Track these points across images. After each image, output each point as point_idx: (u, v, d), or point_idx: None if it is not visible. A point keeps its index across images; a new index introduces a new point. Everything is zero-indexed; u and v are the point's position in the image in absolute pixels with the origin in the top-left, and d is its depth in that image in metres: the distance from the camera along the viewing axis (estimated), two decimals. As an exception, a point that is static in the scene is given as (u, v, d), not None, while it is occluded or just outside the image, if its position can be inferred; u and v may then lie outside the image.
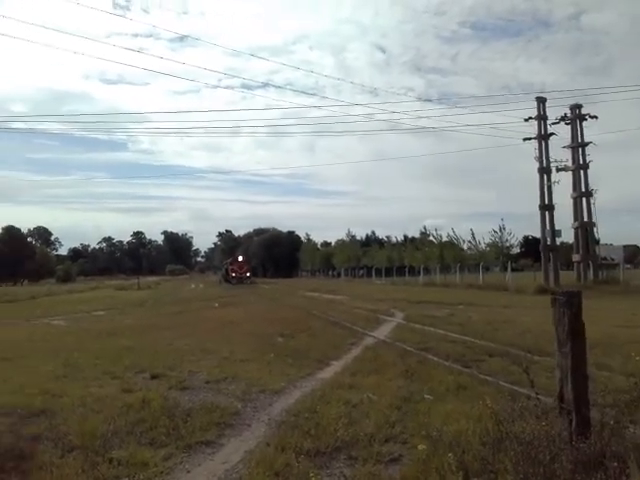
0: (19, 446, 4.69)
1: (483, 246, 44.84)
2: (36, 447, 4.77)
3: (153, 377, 7.92)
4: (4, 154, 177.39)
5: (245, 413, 6.06)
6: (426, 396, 6.42)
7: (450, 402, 6.01)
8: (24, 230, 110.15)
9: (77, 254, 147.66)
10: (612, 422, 3.94)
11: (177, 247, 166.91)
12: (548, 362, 7.60)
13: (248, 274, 65.14)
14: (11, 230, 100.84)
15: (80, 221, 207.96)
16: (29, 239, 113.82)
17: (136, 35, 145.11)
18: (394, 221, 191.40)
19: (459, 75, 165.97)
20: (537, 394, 4.34)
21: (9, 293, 43.31)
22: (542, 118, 35.29)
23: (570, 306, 3.94)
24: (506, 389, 6.49)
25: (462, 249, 48.25)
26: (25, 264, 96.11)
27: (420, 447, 4.23)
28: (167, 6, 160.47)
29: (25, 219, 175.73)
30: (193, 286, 61.30)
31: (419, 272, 53.26)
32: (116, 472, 4.29)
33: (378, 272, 65.51)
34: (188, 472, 4.42)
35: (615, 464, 3.47)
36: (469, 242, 47.16)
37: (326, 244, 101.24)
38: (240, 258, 68.02)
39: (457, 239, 49.21)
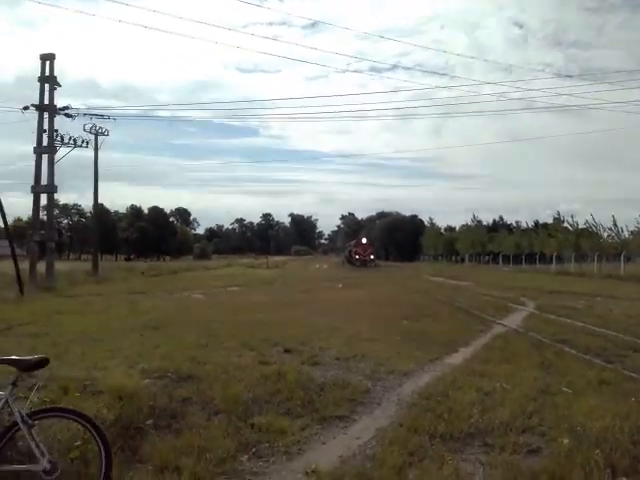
0: (171, 407, 5.17)
1: (626, 234, 41.18)
2: (186, 409, 5.24)
3: (286, 351, 8.30)
4: (151, 140, 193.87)
5: (375, 392, 6.17)
6: (564, 389, 6.10)
7: (592, 397, 5.67)
8: (167, 211, 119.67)
9: (212, 234, 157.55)
10: None
11: (302, 229, 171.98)
12: None
13: (372, 257, 64.27)
14: (156, 210, 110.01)
15: (216, 203, 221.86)
16: (171, 219, 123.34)
17: (271, 24, 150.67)
18: (524, 206, 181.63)
19: (604, 48, 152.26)
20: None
21: (154, 268, 47.26)
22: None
23: None
24: (657, 388, 5.98)
25: (601, 237, 44.68)
26: (168, 242, 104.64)
27: (564, 441, 4.05)
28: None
29: (168, 200, 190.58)
30: (317, 266, 63.13)
31: (551, 260, 50.12)
32: (257, 437, 4.60)
33: (505, 259, 62.75)
34: (323, 443, 4.62)
35: None
36: (609, 229, 43.56)
37: (450, 229, 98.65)
38: (364, 240, 66.84)
39: (595, 226, 45.66)
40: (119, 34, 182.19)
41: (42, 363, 3.42)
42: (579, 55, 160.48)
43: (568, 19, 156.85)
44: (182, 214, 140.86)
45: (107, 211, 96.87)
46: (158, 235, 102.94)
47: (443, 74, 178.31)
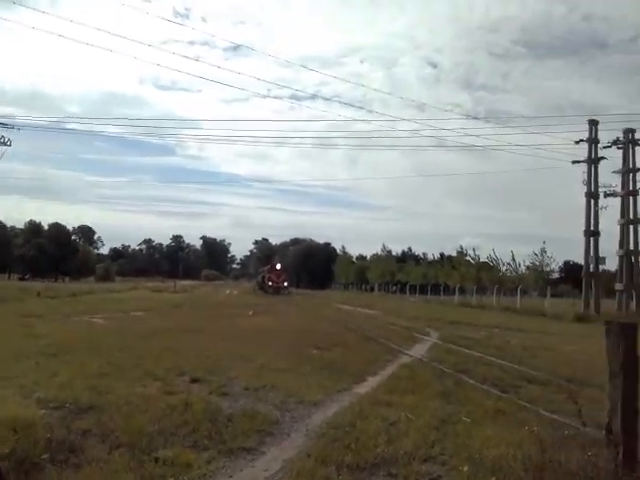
0: (70, 439, 4.88)
1: (522, 269, 44.12)
2: (85, 442, 4.96)
3: (193, 380, 8.09)
4: (58, 153, 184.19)
5: (284, 422, 6.14)
6: (464, 418, 6.39)
7: (489, 426, 5.96)
8: (69, 228, 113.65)
9: (117, 254, 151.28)
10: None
11: (214, 252, 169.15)
12: (589, 393, 7.46)
13: (285, 283, 62.36)
14: (57, 227, 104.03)
15: (124, 222, 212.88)
16: (73, 237, 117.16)
17: (192, 43, 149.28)
18: (432, 238, 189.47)
19: (509, 93, 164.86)
20: (584, 424, 4.31)
21: (52, 289, 44.49)
22: (593, 141, 34.65)
23: (625, 337, 3.91)
24: (546, 418, 6.41)
25: (500, 271, 47.54)
26: (68, 261, 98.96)
27: (463, 468, 4.24)
28: (225, 15, 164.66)
29: (72, 217, 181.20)
30: (228, 292, 62.01)
31: (454, 291, 52.59)
32: (161, 471, 4.42)
33: (412, 289, 65.05)
34: (230, 477, 4.52)
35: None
36: (508, 264, 46.48)
37: (361, 258, 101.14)
38: (278, 266, 64.99)
39: (496, 260, 48.56)
40: (31, 41, 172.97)
41: None
42: (486, 98, 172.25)
43: (478, 63, 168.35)
44: (85, 232, 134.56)
45: (2, 226, 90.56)
46: (58, 254, 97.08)
47: (360, 107, 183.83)
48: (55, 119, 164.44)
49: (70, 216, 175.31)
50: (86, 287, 55.18)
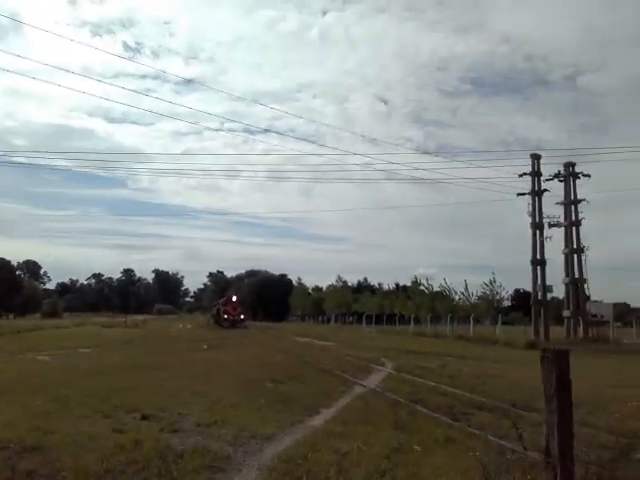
0: (14, 481, 4.73)
1: (475, 298, 45.09)
2: (30, 483, 4.81)
3: (144, 418, 7.93)
4: (3, 187, 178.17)
5: (236, 458, 6.10)
6: (415, 447, 6.49)
7: (439, 454, 6.09)
8: (14, 263, 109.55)
9: (65, 289, 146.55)
10: (595, 478, 4.08)
11: (167, 286, 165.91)
12: (534, 418, 7.73)
13: (242, 316, 59.48)
14: (0, 262, 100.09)
15: (72, 256, 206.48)
16: (18, 272, 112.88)
17: (144, 76, 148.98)
18: (387, 269, 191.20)
19: (457, 129, 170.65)
20: (525, 448, 4.49)
21: (-5, 326, 42.65)
22: (536, 174, 36.20)
23: (558, 364, 4.12)
24: (494, 443, 6.58)
25: (453, 300, 48.43)
26: (12, 297, 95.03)
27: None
28: (177, 50, 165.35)
29: (18, 252, 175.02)
30: (181, 326, 60.65)
31: (409, 321, 53.16)
32: (109, 512, 4.34)
33: (369, 319, 65.28)
34: (180, 514, 4.47)
35: (597, 519, 3.60)
36: (461, 293, 47.45)
37: (317, 289, 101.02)
38: (234, 298, 61.72)
39: (449, 290, 49.51)
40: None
41: None
42: (436, 133, 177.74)
43: (427, 99, 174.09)
44: (31, 267, 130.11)
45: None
46: (1, 290, 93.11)
47: (313, 141, 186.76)
48: (1, 152, 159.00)
49: (15, 250, 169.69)
50: (31, 324, 53.02)
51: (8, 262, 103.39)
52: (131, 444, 6.16)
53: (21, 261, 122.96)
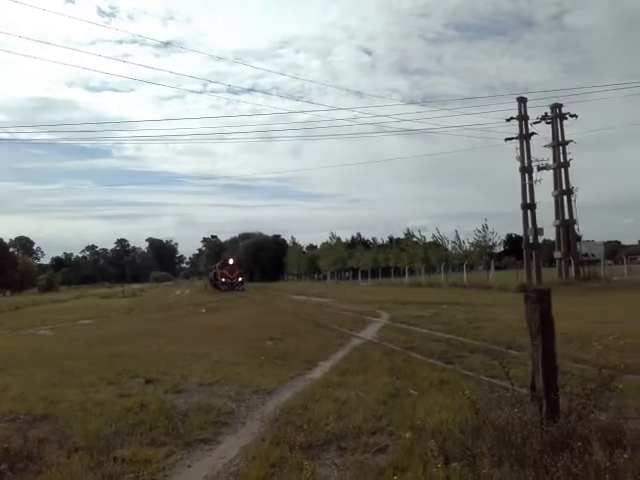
0: (27, 448, 4.93)
1: (467, 246, 45.52)
2: (43, 449, 5.02)
3: (147, 382, 8.17)
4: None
5: (239, 412, 6.35)
6: (411, 391, 6.76)
7: (433, 396, 6.35)
8: (6, 240, 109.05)
9: (60, 263, 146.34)
10: (579, 408, 4.31)
11: (161, 254, 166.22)
12: (525, 357, 8.00)
13: (240, 279, 57.91)
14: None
15: (64, 230, 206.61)
16: (11, 249, 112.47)
17: (121, 42, 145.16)
18: (379, 223, 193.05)
19: (444, 76, 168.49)
20: (512, 384, 4.71)
21: (-8, 304, 42.91)
22: (523, 118, 35.97)
23: (540, 302, 4.30)
24: (485, 382, 6.88)
25: (446, 249, 48.86)
26: (7, 274, 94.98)
27: (406, 435, 4.57)
28: (153, 12, 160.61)
29: (8, 229, 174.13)
30: (179, 292, 61.22)
31: (404, 273, 53.79)
32: (121, 469, 4.56)
33: (364, 274, 65.95)
34: (189, 467, 4.71)
35: (580, 444, 3.83)
36: (453, 242, 47.86)
37: (312, 247, 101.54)
38: (231, 261, 60.52)
39: (441, 239, 49.90)
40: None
41: None
42: (422, 82, 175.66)
43: (412, 48, 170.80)
44: (24, 243, 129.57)
45: None
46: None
47: (299, 98, 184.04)
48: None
49: (5, 228, 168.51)
50: (29, 299, 53.32)
51: (0, 239, 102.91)
52: (137, 407, 6.39)
53: (13, 238, 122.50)
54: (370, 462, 4.42)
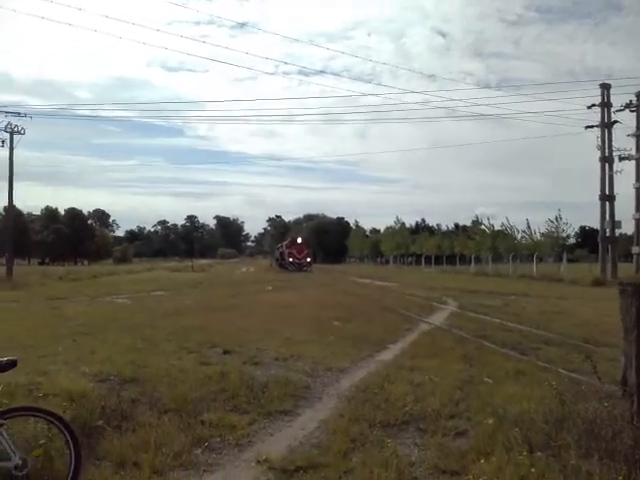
0: (121, 407, 5.27)
1: (538, 236, 44.03)
2: (135, 409, 5.36)
3: (225, 352, 8.51)
4: (68, 139, 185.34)
5: (315, 388, 6.53)
6: (486, 379, 6.70)
7: (510, 386, 6.27)
8: (85, 212, 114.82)
9: (133, 236, 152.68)
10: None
11: (228, 231, 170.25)
12: (605, 353, 7.79)
13: (308, 259, 55.17)
14: (73, 212, 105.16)
15: (138, 204, 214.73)
16: (89, 221, 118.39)
17: (198, 23, 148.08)
18: (445, 209, 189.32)
19: (521, 60, 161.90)
20: (599, 378, 4.60)
21: (72, 272, 45.33)
22: (606, 105, 34.20)
23: (638, 296, 4.15)
24: (565, 376, 6.70)
25: (515, 239, 47.46)
26: (85, 245, 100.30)
27: (488, 421, 4.56)
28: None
29: (86, 202, 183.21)
30: (244, 270, 62.57)
31: (470, 261, 52.70)
32: (209, 432, 4.82)
33: (427, 260, 65.16)
34: (271, 435, 4.91)
35: (675, 443, 3.71)
36: (523, 232, 46.40)
37: (375, 231, 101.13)
38: (299, 240, 57.75)
39: (510, 229, 48.47)
40: (39, 30, 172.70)
41: (11, 364, 3.50)
42: (498, 65, 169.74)
43: (488, 30, 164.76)
44: (100, 216, 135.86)
45: (19, 213, 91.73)
46: (75, 238, 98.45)
47: (369, 80, 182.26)
48: (65, 106, 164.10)
49: (84, 201, 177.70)
50: (106, 269, 56.07)
51: (80, 211, 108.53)
52: (218, 375, 6.68)
53: (91, 210, 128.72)
54: (451, 445, 4.45)
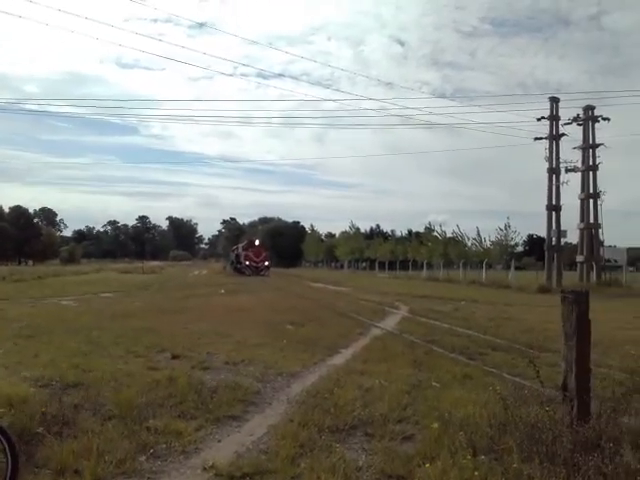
0: (63, 413, 5.09)
1: (488, 244, 45.21)
2: (77, 415, 5.19)
3: (174, 357, 8.35)
4: (15, 135, 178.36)
5: (265, 392, 6.48)
6: (434, 384, 6.82)
7: (457, 390, 6.41)
8: (30, 211, 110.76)
9: (82, 236, 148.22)
10: (609, 411, 4.33)
11: (181, 233, 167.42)
12: (548, 358, 8.05)
13: (267, 263, 52.78)
14: (18, 210, 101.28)
15: (87, 203, 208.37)
16: (35, 220, 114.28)
17: (155, 20, 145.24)
18: (399, 215, 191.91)
19: (475, 71, 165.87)
20: (542, 383, 4.74)
21: (16, 272, 43.64)
22: (554, 118, 35.49)
23: (578, 304, 4.31)
24: (509, 380, 6.89)
25: (466, 246, 48.61)
26: (31, 244, 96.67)
27: (434, 425, 4.63)
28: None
29: (33, 200, 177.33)
30: (197, 272, 61.61)
31: (422, 267, 53.64)
32: (154, 439, 4.71)
33: (381, 265, 65.92)
34: (219, 441, 4.84)
35: (611, 445, 3.86)
36: (474, 239, 47.56)
37: (330, 235, 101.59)
38: (257, 242, 55.21)
39: (462, 236, 49.62)
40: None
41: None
42: (454, 76, 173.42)
43: (445, 41, 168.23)
44: (47, 214, 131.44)
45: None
46: (20, 237, 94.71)
47: (327, 86, 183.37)
48: (13, 100, 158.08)
49: (30, 198, 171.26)
50: (52, 270, 54.15)
51: (25, 210, 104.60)
52: (166, 380, 6.55)
53: (37, 209, 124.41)
54: (398, 449, 4.50)
